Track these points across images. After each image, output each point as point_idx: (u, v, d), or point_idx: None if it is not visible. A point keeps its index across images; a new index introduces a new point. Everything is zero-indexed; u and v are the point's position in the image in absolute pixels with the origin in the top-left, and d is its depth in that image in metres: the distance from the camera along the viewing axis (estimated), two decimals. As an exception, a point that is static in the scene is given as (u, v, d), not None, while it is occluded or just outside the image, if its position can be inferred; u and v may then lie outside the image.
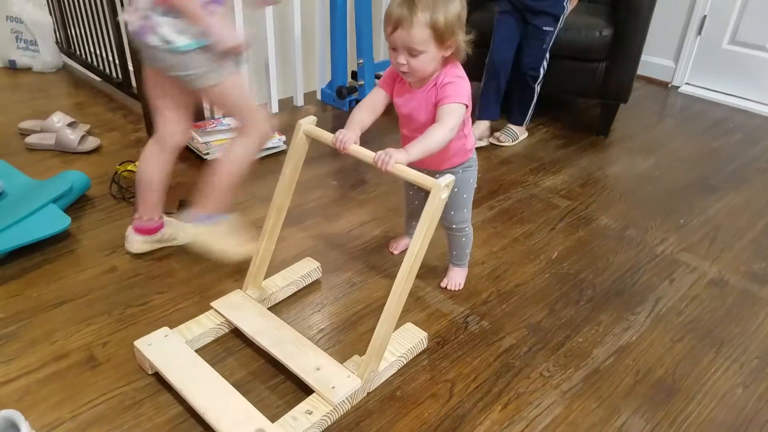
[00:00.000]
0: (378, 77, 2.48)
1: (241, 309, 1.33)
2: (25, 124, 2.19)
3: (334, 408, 1.11)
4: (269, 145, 2.07)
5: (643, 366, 1.28)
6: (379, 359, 1.18)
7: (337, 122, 2.38)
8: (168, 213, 1.63)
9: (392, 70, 1.26)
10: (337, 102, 2.53)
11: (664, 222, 1.81)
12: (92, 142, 2.11)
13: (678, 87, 2.91)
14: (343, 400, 1.13)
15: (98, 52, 2.55)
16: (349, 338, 1.33)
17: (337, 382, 1.14)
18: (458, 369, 1.25)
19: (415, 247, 1.09)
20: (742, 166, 2.18)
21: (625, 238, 1.72)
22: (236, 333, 1.32)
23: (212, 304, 1.34)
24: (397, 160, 1.09)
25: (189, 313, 1.36)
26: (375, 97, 1.29)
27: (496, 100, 2.24)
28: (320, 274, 1.51)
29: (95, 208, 1.77)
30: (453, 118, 1.17)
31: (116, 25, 2.25)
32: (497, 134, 2.26)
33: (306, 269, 1.49)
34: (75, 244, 1.62)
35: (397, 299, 1.12)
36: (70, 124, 2.12)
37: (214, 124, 2.11)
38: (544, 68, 2.16)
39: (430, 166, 1.31)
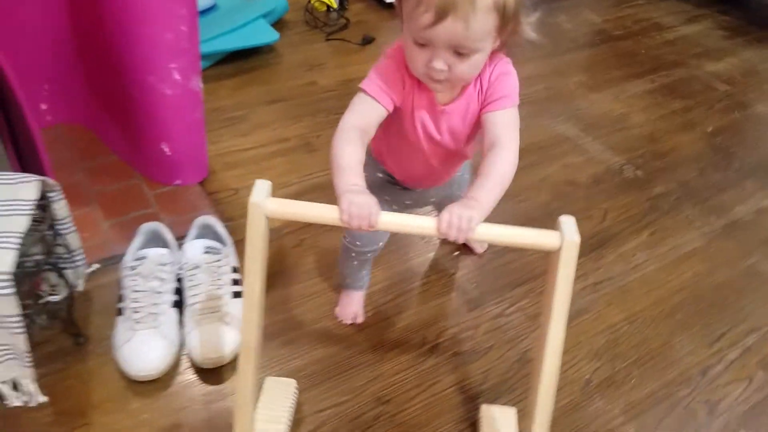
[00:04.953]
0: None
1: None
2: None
3: None
4: None
5: (783, 225, 1.43)
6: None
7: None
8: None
9: (399, 66, 0.78)
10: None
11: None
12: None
13: None
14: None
15: None
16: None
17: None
18: (612, 202, 1.45)
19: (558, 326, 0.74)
20: None
21: (781, 127, 1.80)
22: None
23: None
24: (476, 221, 0.68)
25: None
26: (367, 115, 0.78)
27: None
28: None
29: (291, 31, 2.01)
30: (516, 134, 0.77)
31: None
32: None
33: (288, 395, 0.96)
34: (279, 57, 1.88)
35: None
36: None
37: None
38: None
39: (433, 182, 0.97)
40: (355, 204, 0.68)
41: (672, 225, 1.40)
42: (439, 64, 0.71)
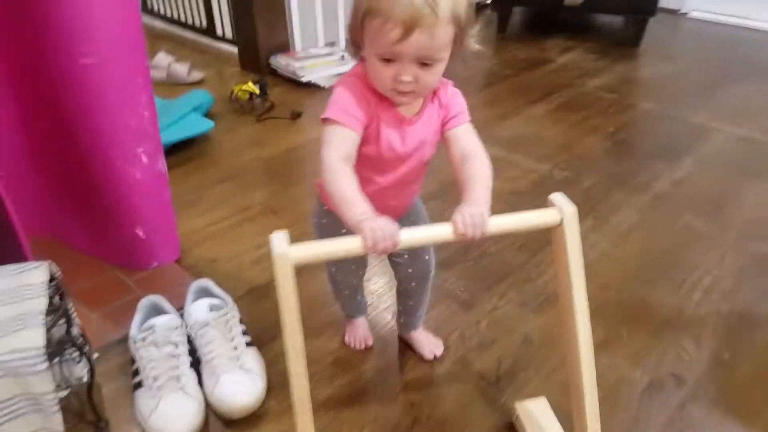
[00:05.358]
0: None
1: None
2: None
3: None
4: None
5: (697, 190, 1.67)
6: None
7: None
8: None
9: (359, 88, 0.82)
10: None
11: (693, 103, 2.19)
12: (198, 74, 2.44)
13: (686, 13, 3.28)
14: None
15: (180, 5, 2.89)
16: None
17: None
18: (554, 200, 1.62)
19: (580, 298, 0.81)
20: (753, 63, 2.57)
21: (665, 116, 2.12)
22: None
23: None
24: (486, 215, 0.75)
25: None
26: (345, 143, 0.80)
27: None
28: None
29: (222, 121, 2.11)
30: (480, 143, 0.87)
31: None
32: None
33: None
34: (217, 143, 1.96)
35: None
36: (175, 60, 2.46)
37: (305, 53, 2.45)
38: None
39: (391, 212, 0.80)
40: (377, 228, 0.71)
41: (608, 208, 1.59)
42: (406, 77, 0.77)
